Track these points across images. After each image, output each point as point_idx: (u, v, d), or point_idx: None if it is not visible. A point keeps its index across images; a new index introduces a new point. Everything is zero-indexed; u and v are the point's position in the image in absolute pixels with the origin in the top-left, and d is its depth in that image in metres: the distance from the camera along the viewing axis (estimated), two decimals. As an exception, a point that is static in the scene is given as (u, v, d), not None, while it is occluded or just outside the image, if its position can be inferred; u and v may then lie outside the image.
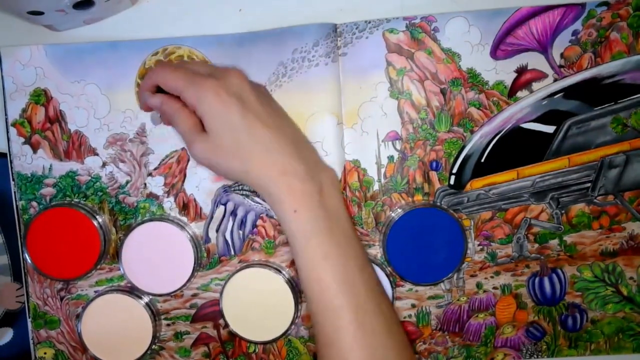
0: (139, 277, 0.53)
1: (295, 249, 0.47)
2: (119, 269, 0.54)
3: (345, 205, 0.50)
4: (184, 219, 0.54)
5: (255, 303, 0.53)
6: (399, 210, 0.53)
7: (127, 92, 0.52)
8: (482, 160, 0.53)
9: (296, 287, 0.53)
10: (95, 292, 0.54)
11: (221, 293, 0.53)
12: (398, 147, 0.53)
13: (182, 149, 0.53)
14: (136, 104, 0.53)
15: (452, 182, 0.53)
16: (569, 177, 0.53)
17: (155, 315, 0.54)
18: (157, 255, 0.53)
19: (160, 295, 0.54)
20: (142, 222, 0.53)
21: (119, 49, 0.52)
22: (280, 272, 0.53)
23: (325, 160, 0.52)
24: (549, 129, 0.52)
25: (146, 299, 0.54)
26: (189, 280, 0.53)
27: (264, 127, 0.47)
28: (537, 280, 0.54)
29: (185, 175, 0.53)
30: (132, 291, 0.54)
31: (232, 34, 0.52)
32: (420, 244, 0.53)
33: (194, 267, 0.53)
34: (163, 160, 0.53)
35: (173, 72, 0.47)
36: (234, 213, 0.53)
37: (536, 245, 0.54)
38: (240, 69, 0.49)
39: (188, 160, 0.53)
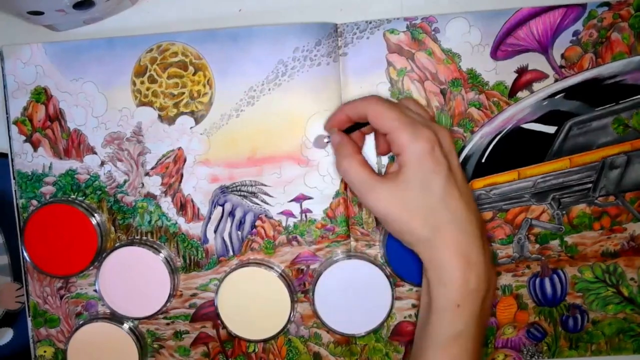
0: (117, 302, 0.53)
1: (436, 339, 0.44)
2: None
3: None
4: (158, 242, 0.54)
5: (251, 301, 0.53)
6: (399, 211, 0.53)
7: (123, 90, 0.52)
8: (483, 161, 0.53)
9: (290, 283, 0.53)
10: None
11: (216, 293, 0.53)
12: (398, 147, 0.53)
13: (179, 148, 0.53)
14: (132, 101, 0.53)
15: (452, 182, 0.53)
16: (570, 178, 0.53)
17: (139, 338, 0.54)
18: (134, 280, 0.53)
19: (140, 319, 0.54)
20: (115, 249, 0.53)
21: (115, 46, 0.52)
22: (272, 268, 0.53)
23: (325, 161, 0.52)
24: (550, 129, 0.52)
25: (129, 323, 0.54)
26: (167, 301, 0.53)
27: (461, 200, 0.43)
28: (537, 280, 0.54)
29: (182, 176, 0.53)
30: (113, 318, 0.54)
31: (226, 29, 0.52)
32: (420, 244, 0.52)
33: (170, 293, 0.53)
34: (160, 159, 0.53)
35: (389, 110, 0.44)
36: (232, 214, 0.53)
37: (537, 246, 0.53)
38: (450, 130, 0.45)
39: (185, 160, 0.53)
